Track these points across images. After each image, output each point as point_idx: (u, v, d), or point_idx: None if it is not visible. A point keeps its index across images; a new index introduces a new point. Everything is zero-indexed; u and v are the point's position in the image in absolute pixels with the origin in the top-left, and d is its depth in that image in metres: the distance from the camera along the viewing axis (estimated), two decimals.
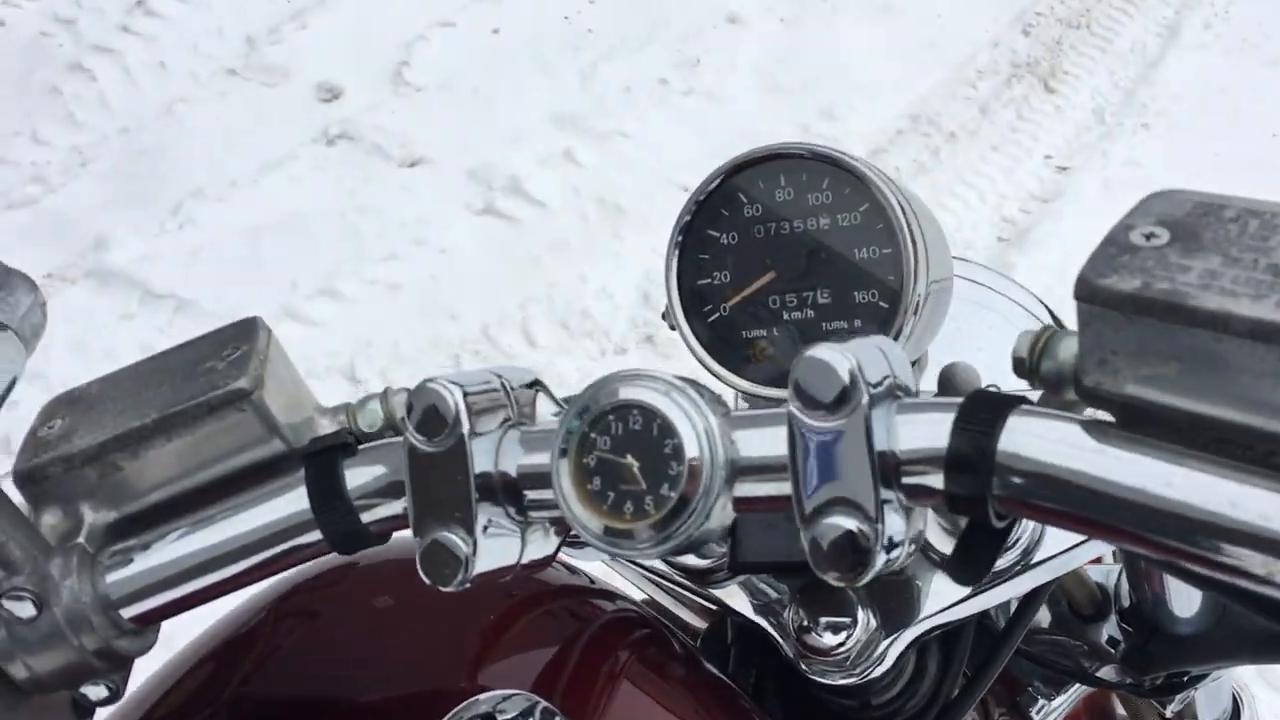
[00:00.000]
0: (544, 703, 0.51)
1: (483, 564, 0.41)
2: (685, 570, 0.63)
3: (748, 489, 0.38)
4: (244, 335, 0.48)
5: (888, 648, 0.58)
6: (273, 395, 0.46)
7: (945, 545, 0.58)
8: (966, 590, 0.58)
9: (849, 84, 2.88)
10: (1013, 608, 0.66)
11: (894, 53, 3.00)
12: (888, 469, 0.36)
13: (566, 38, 2.92)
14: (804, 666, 0.58)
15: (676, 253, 0.53)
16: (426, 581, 0.41)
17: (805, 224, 0.52)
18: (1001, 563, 0.58)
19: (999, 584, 0.58)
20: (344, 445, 0.44)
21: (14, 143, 2.54)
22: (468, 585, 0.41)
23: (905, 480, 0.36)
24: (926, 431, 0.36)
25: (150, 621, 0.46)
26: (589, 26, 2.95)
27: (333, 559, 0.50)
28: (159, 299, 2.22)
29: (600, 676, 0.56)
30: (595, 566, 0.68)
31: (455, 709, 0.50)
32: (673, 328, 0.53)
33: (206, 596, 0.45)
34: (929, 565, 0.59)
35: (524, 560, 0.43)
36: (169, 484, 0.46)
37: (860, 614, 0.57)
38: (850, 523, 0.35)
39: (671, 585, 0.65)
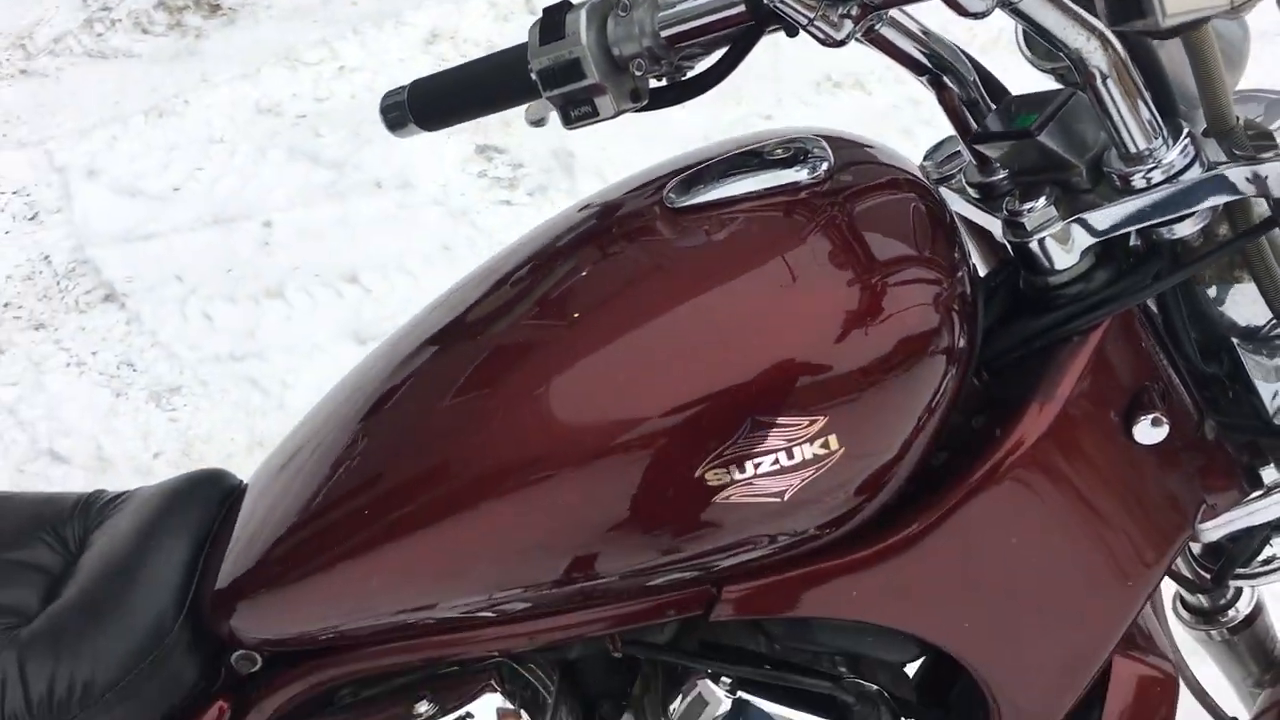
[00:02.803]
0: (830, 163, 0.93)
1: None
2: (979, 191, 0.99)
3: None
4: None
5: (1062, 229, 0.88)
6: None
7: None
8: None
9: None
10: None
11: None
12: None
13: None
14: (1005, 234, 0.91)
15: None
16: None
17: None
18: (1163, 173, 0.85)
19: (1155, 191, 0.85)
20: None
21: None
22: None
23: None
24: None
25: (673, 42, 0.95)
26: None
27: None
28: None
29: (869, 180, 0.94)
30: None
31: (781, 144, 0.95)
32: None
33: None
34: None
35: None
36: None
37: (1045, 200, 0.89)
38: None
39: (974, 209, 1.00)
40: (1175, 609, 1.32)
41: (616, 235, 0.95)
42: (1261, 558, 1.09)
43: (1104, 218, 0.89)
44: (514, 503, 0.89)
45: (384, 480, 0.94)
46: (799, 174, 0.91)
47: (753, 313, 0.85)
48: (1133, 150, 0.86)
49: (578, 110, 0.97)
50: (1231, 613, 1.27)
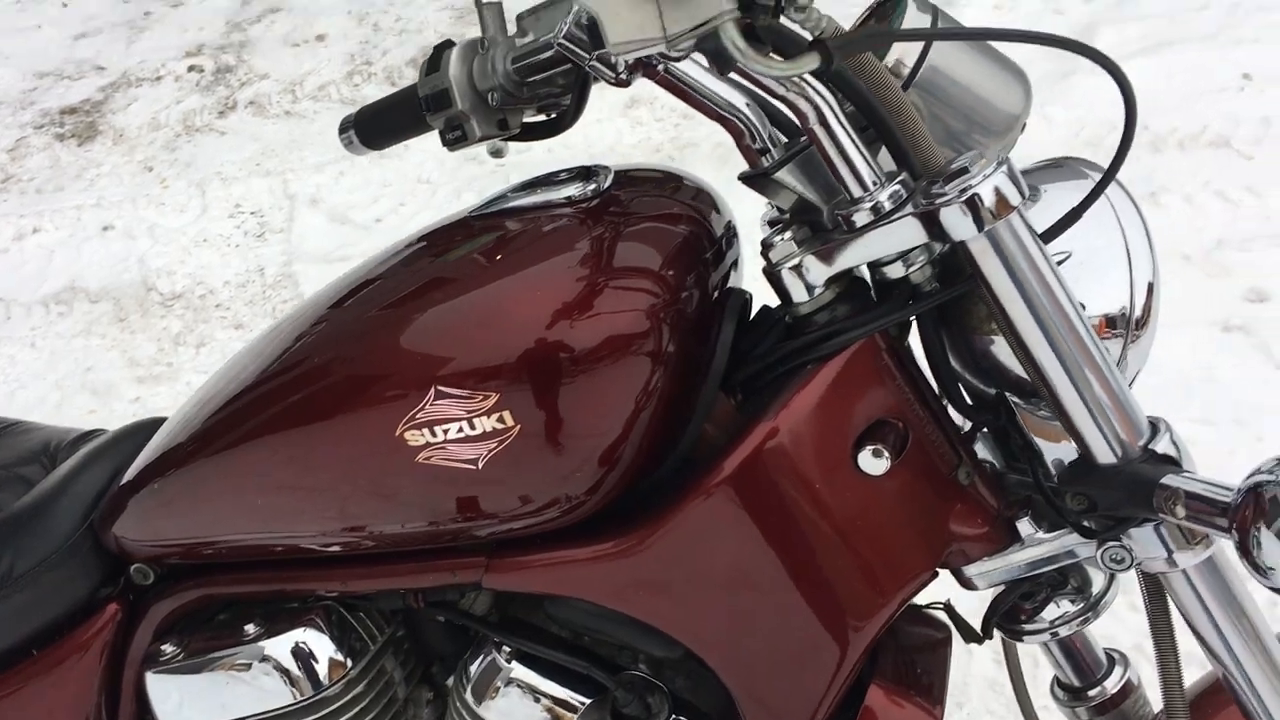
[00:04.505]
0: (608, 179, 1.05)
1: None
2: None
3: None
4: None
5: (797, 262, 0.96)
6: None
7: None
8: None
9: None
10: None
11: None
12: None
13: None
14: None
15: None
16: None
17: None
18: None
19: (868, 231, 0.91)
20: None
21: None
22: None
23: None
24: None
25: (524, 77, 1.09)
26: None
27: None
28: None
29: (637, 207, 1.05)
30: None
31: (569, 170, 1.07)
32: None
33: None
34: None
35: None
36: None
37: (788, 235, 0.97)
38: None
39: None
40: (1052, 690, 1.29)
41: (427, 237, 1.11)
42: (1049, 616, 1.08)
43: (831, 255, 0.95)
44: (291, 442, 1.05)
45: (225, 408, 1.11)
46: (569, 191, 1.03)
47: (471, 299, 0.98)
48: (855, 193, 0.93)
49: (452, 134, 1.13)
50: (1096, 690, 1.24)
